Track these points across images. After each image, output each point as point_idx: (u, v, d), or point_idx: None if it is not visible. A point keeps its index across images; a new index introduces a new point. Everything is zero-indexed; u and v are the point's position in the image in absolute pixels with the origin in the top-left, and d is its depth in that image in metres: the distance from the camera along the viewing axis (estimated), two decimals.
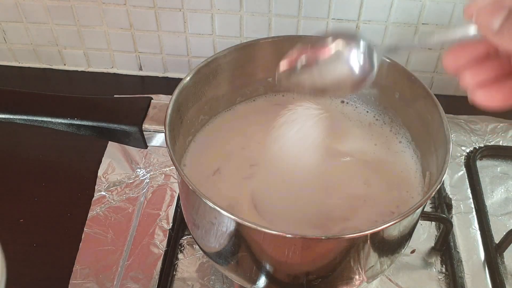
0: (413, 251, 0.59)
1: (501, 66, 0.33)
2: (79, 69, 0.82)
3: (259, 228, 0.39)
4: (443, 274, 0.57)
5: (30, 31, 0.78)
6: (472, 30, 0.33)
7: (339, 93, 0.46)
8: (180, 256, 0.58)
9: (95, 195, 0.63)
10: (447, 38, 0.35)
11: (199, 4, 0.71)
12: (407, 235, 0.49)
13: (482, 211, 0.62)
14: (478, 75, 0.33)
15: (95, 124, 0.53)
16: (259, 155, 0.54)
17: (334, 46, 0.41)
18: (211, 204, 0.41)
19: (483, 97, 0.33)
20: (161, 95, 0.72)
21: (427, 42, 0.37)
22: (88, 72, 0.82)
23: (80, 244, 0.58)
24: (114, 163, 0.66)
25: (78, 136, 0.55)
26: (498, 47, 0.31)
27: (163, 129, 0.46)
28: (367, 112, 0.59)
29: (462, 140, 0.70)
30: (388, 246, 0.47)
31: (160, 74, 0.82)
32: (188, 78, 0.51)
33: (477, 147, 0.69)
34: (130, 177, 0.65)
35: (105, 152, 0.68)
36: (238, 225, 0.41)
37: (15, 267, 0.58)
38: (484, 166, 0.68)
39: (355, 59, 0.40)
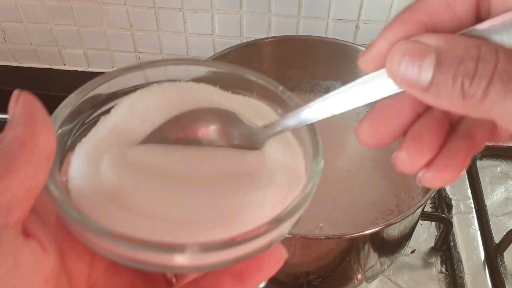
0: (413, 251, 0.59)
1: (439, 127, 0.23)
2: (79, 69, 0.82)
3: None
4: (443, 274, 0.57)
5: (30, 31, 0.78)
6: (386, 88, 0.22)
7: None
8: None
9: None
10: (350, 105, 0.23)
11: (199, 4, 0.71)
12: (407, 235, 0.49)
13: (482, 211, 0.62)
14: (419, 154, 0.23)
15: None
16: None
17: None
18: None
19: (434, 179, 0.23)
20: None
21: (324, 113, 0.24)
22: (88, 72, 0.82)
23: None
24: None
25: None
26: (432, 106, 0.21)
27: None
28: (367, 112, 0.59)
29: None
30: (388, 246, 0.47)
31: None
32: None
33: None
34: None
35: None
36: None
37: None
38: (484, 166, 0.68)
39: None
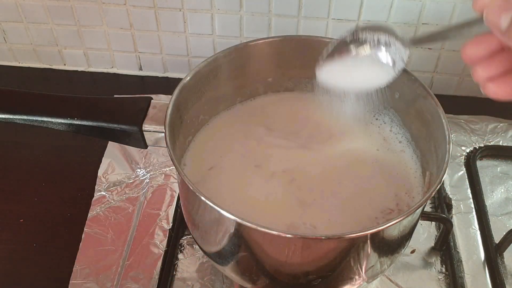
0: (413, 251, 0.59)
1: (510, 60, 0.35)
2: (79, 69, 0.82)
3: (259, 228, 0.39)
4: (443, 274, 0.57)
5: (30, 31, 0.78)
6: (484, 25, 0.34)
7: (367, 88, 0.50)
8: (180, 256, 0.58)
9: (95, 195, 0.63)
10: (463, 33, 0.37)
11: (199, 4, 0.71)
12: (407, 235, 0.49)
13: (482, 211, 0.62)
14: (488, 70, 0.35)
15: (95, 124, 0.53)
16: (260, 154, 0.54)
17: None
18: (211, 204, 0.41)
19: (492, 90, 0.35)
20: (161, 95, 0.72)
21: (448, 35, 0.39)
22: (88, 72, 0.82)
23: (80, 244, 0.58)
24: (114, 163, 0.66)
25: (78, 136, 0.55)
26: (506, 45, 0.33)
27: (163, 129, 0.46)
28: (367, 111, 0.59)
29: (462, 140, 0.70)
30: (388, 246, 0.47)
31: (160, 74, 0.82)
32: (188, 78, 0.51)
33: (477, 147, 0.69)
34: (130, 177, 0.65)
35: (105, 152, 0.68)
36: (238, 225, 0.41)
37: (15, 267, 0.58)
38: (484, 166, 0.68)
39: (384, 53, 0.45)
